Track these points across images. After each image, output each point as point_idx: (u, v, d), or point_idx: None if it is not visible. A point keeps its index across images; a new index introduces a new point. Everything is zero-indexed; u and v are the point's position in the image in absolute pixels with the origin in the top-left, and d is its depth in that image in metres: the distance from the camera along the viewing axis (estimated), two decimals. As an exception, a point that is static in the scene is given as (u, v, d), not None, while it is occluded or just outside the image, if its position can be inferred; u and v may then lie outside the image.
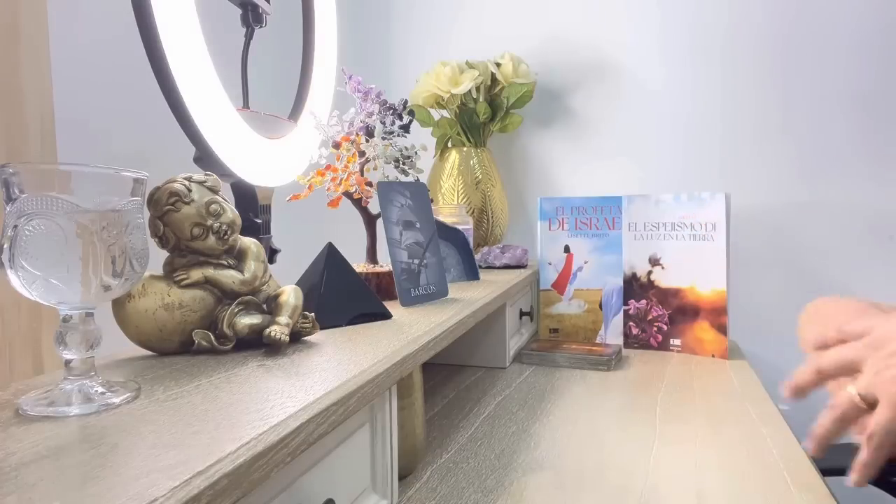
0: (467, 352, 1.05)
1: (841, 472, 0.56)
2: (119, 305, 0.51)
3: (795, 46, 1.28)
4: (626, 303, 1.16)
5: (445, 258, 0.99)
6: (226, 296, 0.55)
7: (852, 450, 0.47)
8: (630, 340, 1.15)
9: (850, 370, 0.50)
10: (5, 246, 0.38)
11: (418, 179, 0.89)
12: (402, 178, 0.86)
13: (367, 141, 0.84)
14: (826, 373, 0.51)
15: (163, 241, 0.53)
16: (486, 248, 1.21)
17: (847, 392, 0.47)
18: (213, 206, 0.53)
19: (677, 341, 1.11)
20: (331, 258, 0.69)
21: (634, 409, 0.81)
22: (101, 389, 0.40)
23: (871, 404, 0.45)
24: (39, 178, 0.38)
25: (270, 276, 0.59)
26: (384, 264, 0.87)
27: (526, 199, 1.50)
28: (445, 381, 0.97)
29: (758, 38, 1.30)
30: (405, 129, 0.87)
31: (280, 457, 0.35)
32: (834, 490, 0.57)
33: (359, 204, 0.85)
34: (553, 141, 1.47)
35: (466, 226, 1.10)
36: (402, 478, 0.60)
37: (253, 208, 0.79)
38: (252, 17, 0.80)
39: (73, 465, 0.31)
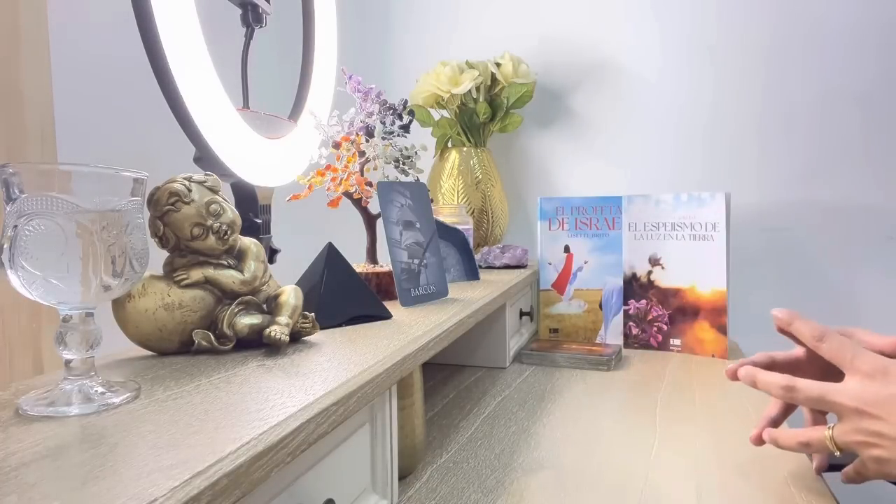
0: (467, 352, 1.05)
1: (840, 468, 0.56)
2: (119, 305, 0.51)
3: (796, 46, 1.28)
4: (626, 303, 1.16)
5: (445, 258, 0.99)
6: (226, 296, 0.55)
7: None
8: (630, 340, 1.15)
9: (825, 409, 0.53)
10: (5, 246, 0.38)
11: (418, 179, 0.89)
12: (402, 178, 0.86)
13: (367, 141, 0.84)
14: (798, 399, 0.53)
15: (163, 241, 0.54)
16: (486, 248, 1.21)
17: (825, 435, 0.51)
18: (213, 206, 0.53)
19: (677, 341, 1.11)
20: (331, 258, 0.69)
21: (634, 409, 0.81)
22: (101, 389, 0.41)
23: (840, 450, 0.51)
24: (39, 178, 0.38)
25: (270, 276, 0.59)
26: (384, 264, 0.87)
27: (526, 199, 1.50)
28: (445, 381, 0.97)
29: (758, 37, 1.30)
30: (405, 129, 0.87)
31: (280, 457, 0.35)
32: (834, 489, 0.57)
33: (359, 204, 0.85)
34: (553, 141, 1.47)
35: (466, 226, 1.10)
36: (402, 478, 0.60)
37: (253, 208, 0.79)
38: (252, 17, 0.80)
39: (73, 465, 0.31)
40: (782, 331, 0.58)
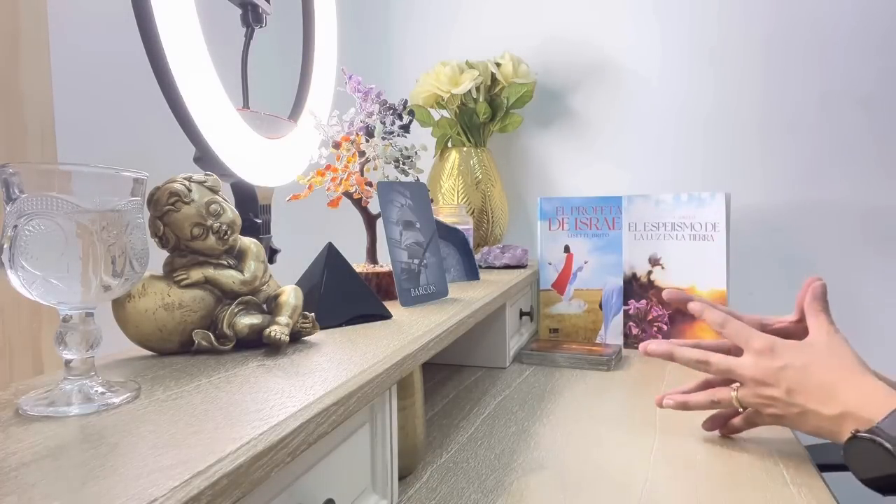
0: (467, 352, 1.05)
1: (840, 468, 0.57)
2: (119, 305, 0.51)
3: (797, 46, 1.28)
4: (626, 303, 1.16)
5: (445, 258, 0.99)
6: (226, 296, 0.55)
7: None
8: (630, 340, 1.15)
9: (730, 379, 0.66)
10: (5, 246, 0.38)
11: (418, 179, 0.89)
12: (402, 178, 0.86)
13: (367, 141, 0.84)
14: (710, 370, 0.65)
15: (163, 241, 0.54)
16: (486, 248, 1.21)
17: (731, 395, 0.64)
18: (213, 206, 0.53)
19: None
20: (331, 258, 0.69)
21: (634, 409, 0.81)
22: (101, 389, 0.41)
23: (742, 407, 0.65)
24: (39, 178, 0.38)
25: (270, 276, 0.59)
26: (384, 264, 0.87)
27: (526, 199, 1.50)
28: (445, 381, 0.97)
29: (759, 37, 1.30)
30: (405, 129, 0.87)
31: (280, 457, 0.35)
32: (833, 489, 0.57)
33: (359, 204, 0.85)
34: (553, 141, 1.47)
35: (466, 226, 1.10)
36: (402, 478, 0.60)
37: (253, 208, 0.79)
38: (252, 17, 0.80)
39: (73, 465, 0.31)
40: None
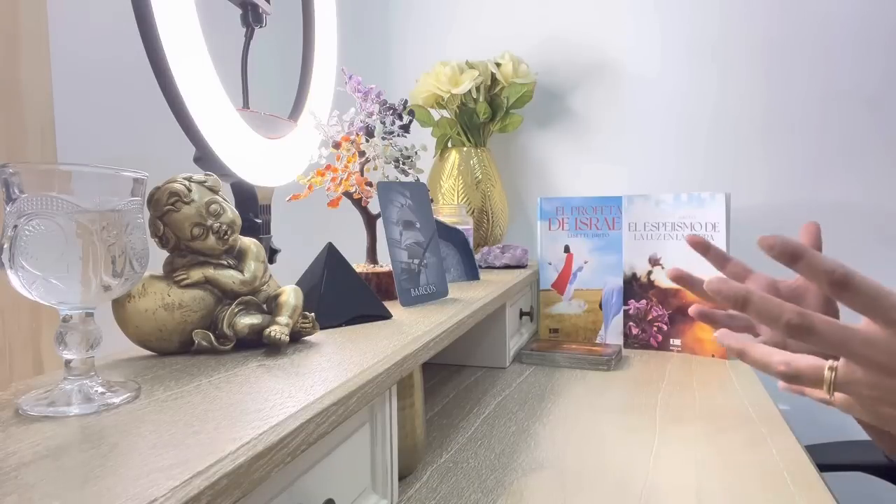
0: (467, 352, 1.05)
1: (840, 468, 0.56)
2: (119, 305, 0.51)
3: (798, 46, 1.28)
4: (626, 303, 1.16)
5: (445, 258, 0.99)
6: (226, 296, 0.55)
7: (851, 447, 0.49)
8: (630, 340, 1.15)
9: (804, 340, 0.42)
10: (5, 246, 0.38)
11: (418, 179, 0.89)
12: (402, 178, 0.86)
13: (367, 141, 0.84)
14: (811, 338, 0.42)
15: (163, 241, 0.53)
16: (486, 248, 1.21)
17: (826, 376, 0.43)
18: (213, 206, 0.53)
19: (677, 341, 1.11)
20: (331, 258, 0.69)
21: (634, 409, 0.81)
22: (101, 389, 0.40)
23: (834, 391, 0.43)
24: (39, 178, 0.38)
25: (270, 276, 0.59)
26: (384, 264, 0.87)
27: (526, 199, 1.50)
28: (445, 381, 0.97)
29: (759, 37, 1.30)
30: (405, 129, 0.87)
31: (280, 457, 0.35)
32: (833, 489, 0.57)
33: (359, 204, 0.85)
34: (553, 141, 1.47)
35: (466, 226, 1.10)
36: (402, 478, 0.60)
37: (253, 208, 0.79)
38: (252, 17, 0.80)
39: (73, 465, 0.31)
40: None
